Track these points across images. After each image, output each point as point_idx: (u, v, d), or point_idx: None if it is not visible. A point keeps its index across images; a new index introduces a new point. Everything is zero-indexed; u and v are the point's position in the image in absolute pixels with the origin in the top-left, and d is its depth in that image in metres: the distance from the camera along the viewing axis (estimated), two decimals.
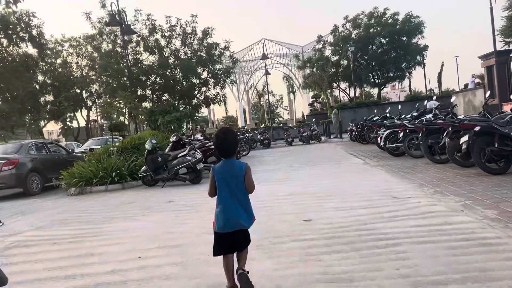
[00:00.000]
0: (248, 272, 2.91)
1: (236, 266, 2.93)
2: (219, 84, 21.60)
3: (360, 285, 2.88)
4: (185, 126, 24.23)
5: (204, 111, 37.37)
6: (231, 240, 2.84)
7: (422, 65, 33.01)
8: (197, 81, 21.28)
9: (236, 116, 54.67)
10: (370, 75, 32.89)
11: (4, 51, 25.91)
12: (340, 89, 36.33)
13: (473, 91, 20.03)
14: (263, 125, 38.36)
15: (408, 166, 8.87)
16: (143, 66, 20.29)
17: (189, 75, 20.38)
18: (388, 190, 6.31)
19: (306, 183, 7.88)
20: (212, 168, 2.96)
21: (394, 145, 11.08)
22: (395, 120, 12.71)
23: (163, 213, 6.31)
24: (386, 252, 3.46)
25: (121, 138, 16.51)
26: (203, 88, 21.71)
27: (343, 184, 7.36)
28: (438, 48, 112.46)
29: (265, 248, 3.92)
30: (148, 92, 20.98)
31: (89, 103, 33.62)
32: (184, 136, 12.36)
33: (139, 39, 20.25)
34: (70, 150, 14.73)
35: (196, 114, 21.64)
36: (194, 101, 21.47)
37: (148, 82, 20.77)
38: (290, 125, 32.94)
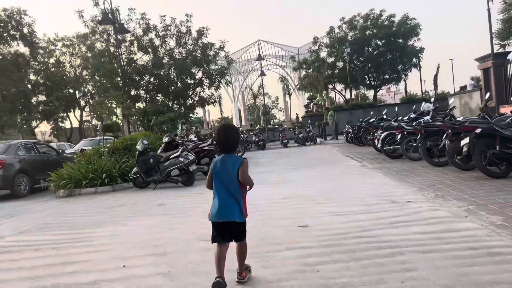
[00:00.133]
0: (250, 269, 3.14)
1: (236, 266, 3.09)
2: (214, 85, 21.33)
3: None
4: (180, 127, 23.93)
5: (199, 112, 37.08)
6: (225, 230, 2.98)
7: (418, 68, 32.97)
8: (192, 82, 21.00)
9: (232, 117, 54.39)
10: (366, 77, 32.78)
11: None
12: (336, 91, 36.20)
13: (469, 93, 19.95)
14: (258, 126, 38.14)
15: (406, 169, 8.67)
16: (137, 66, 19.96)
17: (184, 75, 20.09)
18: (387, 193, 6.09)
19: (302, 186, 7.65)
20: (213, 161, 3.10)
21: (391, 147, 10.88)
22: (392, 122, 12.54)
23: (152, 217, 6.03)
24: (388, 262, 3.23)
25: (113, 138, 16.17)
26: (198, 89, 21.42)
27: (340, 187, 7.14)
28: (434, 50, 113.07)
29: (260, 256, 3.67)
30: (142, 92, 20.64)
31: (82, 103, 33.21)
32: (177, 137, 12.07)
33: (132, 38, 19.93)
34: (61, 150, 14.40)
35: (191, 115, 21.30)
36: (189, 101, 21.17)
37: (142, 82, 20.43)
38: (285, 126, 32.75)
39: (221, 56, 21.65)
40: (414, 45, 31.53)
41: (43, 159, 12.13)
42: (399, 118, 13.46)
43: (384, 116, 15.94)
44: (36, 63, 29.04)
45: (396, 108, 16.75)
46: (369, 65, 31.93)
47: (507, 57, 16.75)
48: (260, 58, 30.27)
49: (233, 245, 3.11)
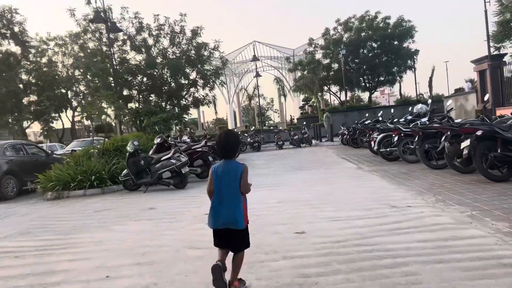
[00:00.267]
0: (245, 283, 2.98)
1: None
2: (208, 85, 21.03)
3: None
4: (174, 128, 23.58)
5: (193, 113, 36.73)
6: (225, 237, 2.92)
7: (413, 70, 32.97)
8: (186, 82, 20.68)
9: (226, 119, 54.08)
10: (361, 78, 32.71)
11: None
12: (331, 93, 36.09)
13: (465, 95, 19.86)
14: (253, 127, 37.89)
15: (403, 171, 8.48)
16: (130, 66, 19.60)
17: (177, 75, 19.76)
18: (385, 197, 5.87)
19: (298, 189, 7.41)
20: (212, 167, 3.07)
21: (388, 149, 10.71)
22: (388, 124, 12.38)
23: (141, 222, 5.76)
24: (392, 273, 3.00)
25: (106, 139, 15.85)
26: (192, 89, 21.10)
27: (337, 190, 6.91)
28: (429, 52, 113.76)
29: (253, 266, 3.42)
30: (135, 92, 20.27)
31: (74, 103, 32.70)
32: (169, 138, 11.78)
33: (125, 37, 19.58)
34: (50, 152, 14.05)
35: (184, 116, 20.97)
36: (183, 102, 20.84)
37: (135, 82, 20.06)
38: (280, 128, 32.56)
39: (216, 56, 21.37)
40: (409, 47, 31.54)
41: (32, 160, 11.81)
42: (395, 120, 13.31)
43: (380, 118, 15.79)
44: (28, 63, 28.55)
45: (392, 110, 16.62)
46: (364, 67, 31.87)
47: (503, 59, 16.71)
48: (255, 59, 30.05)
49: None
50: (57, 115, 30.97)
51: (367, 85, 33.35)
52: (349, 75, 31.07)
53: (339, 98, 35.67)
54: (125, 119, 17.43)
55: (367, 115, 21.28)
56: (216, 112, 38.33)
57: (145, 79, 20.07)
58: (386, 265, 3.17)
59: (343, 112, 27.82)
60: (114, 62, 17.71)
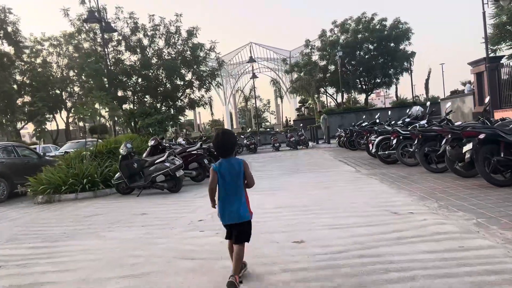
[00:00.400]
0: (241, 282, 3.08)
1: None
2: (204, 86, 20.80)
3: None
4: (170, 130, 23.31)
5: (189, 114, 36.48)
6: (234, 230, 3.16)
7: (409, 72, 32.92)
8: (181, 83, 20.44)
9: (223, 120, 53.83)
10: (358, 80, 32.61)
11: None
12: (328, 94, 35.97)
13: (462, 97, 19.77)
14: (249, 129, 37.67)
15: (403, 175, 8.30)
16: (124, 66, 19.33)
17: (173, 76, 19.53)
18: (386, 203, 5.68)
19: (295, 194, 7.20)
20: (212, 166, 3.21)
21: (386, 152, 10.53)
22: (385, 126, 12.22)
23: (133, 229, 5.52)
24: None
25: (100, 141, 15.56)
26: (188, 90, 20.86)
27: (335, 195, 6.71)
28: (425, 54, 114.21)
29: (250, 280, 3.21)
30: (129, 93, 20.00)
31: (69, 104, 32.36)
32: (164, 140, 11.53)
33: (120, 38, 19.32)
34: (42, 153, 13.76)
35: (180, 117, 20.71)
36: (178, 103, 20.60)
37: (129, 83, 19.79)
38: (277, 129, 32.35)
39: (212, 57, 21.16)
40: (406, 49, 31.50)
41: (23, 163, 11.54)
42: (393, 122, 13.15)
43: (377, 120, 15.64)
44: (22, 63, 28.19)
45: (389, 112, 16.45)
46: (361, 68, 31.77)
47: (501, 61, 16.64)
48: (251, 60, 29.84)
49: None
50: (51, 116, 30.61)
51: (364, 87, 33.25)
52: (345, 77, 30.96)
53: (336, 100, 35.55)
54: (120, 120, 17.14)
55: (364, 117, 21.13)
56: (212, 114, 38.08)
57: (140, 80, 19.82)
58: (391, 279, 2.97)
59: (340, 114, 27.67)
60: (109, 63, 17.44)
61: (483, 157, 6.17)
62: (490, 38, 22.68)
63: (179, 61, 19.50)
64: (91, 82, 19.03)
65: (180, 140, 13.41)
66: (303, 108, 41.85)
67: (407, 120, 12.27)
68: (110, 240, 5.01)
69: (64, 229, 5.96)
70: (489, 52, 22.22)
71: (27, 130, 36.85)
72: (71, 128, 37.43)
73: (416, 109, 15.46)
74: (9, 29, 24.92)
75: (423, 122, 10.65)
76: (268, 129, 35.04)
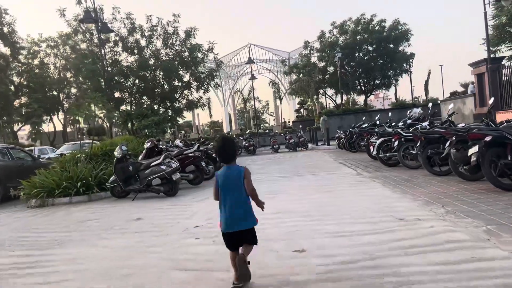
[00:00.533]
0: (249, 263, 3.14)
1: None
2: (203, 88, 20.58)
3: None
4: (168, 131, 23.07)
5: (188, 116, 36.24)
6: (236, 238, 3.12)
7: (409, 73, 32.80)
8: (179, 84, 20.23)
9: (222, 121, 53.61)
10: (357, 82, 32.47)
11: None
12: (327, 96, 35.80)
13: (462, 99, 19.59)
14: (248, 131, 37.46)
15: (405, 178, 8.09)
16: (121, 67, 19.10)
17: (171, 77, 19.32)
18: (390, 208, 5.46)
19: (295, 198, 6.97)
20: (215, 174, 3.26)
21: (387, 154, 10.32)
22: (386, 128, 12.01)
23: (126, 236, 5.28)
24: None
25: (96, 143, 15.30)
26: (186, 91, 20.65)
27: (337, 199, 6.49)
28: (425, 55, 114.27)
29: None
30: (126, 94, 19.76)
31: (66, 105, 32.09)
32: (160, 142, 11.29)
33: (117, 38, 19.09)
34: (37, 156, 13.53)
35: (178, 119, 20.48)
36: (176, 104, 20.37)
37: (127, 84, 19.56)
38: (276, 131, 32.16)
39: (210, 58, 20.96)
40: (405, 50, 31.38)
41: (17, 165, 11.27)
42: (393, 124, 12.95)
43: (377, 122, 15.44)
44: (19, 64, 27.94)
45: (390, 114, 16.26)
46: (360, 70, 31.64)
47: (502, 62, 16.46)
48: (250, 61, 29.66)
49: None
50: (48, 117, 30.35)
51: (363, 88, 33.12)
52: (344, 78, 30.81)
53: (335, 101, 35.40)
54: (117, 121, 16.91)
55: (363, 118, 20.94)
56: (210, 115, 37.88)
57: (137, 81, 19.59)
58: None
59: (339, 116, 27.50)
60: (106, 64, 17.22)
61: (490, 160, 5.96)
62: (490, 40, 22.54)
63: (177, 62, 19.30)
64: (88, 83, 18.80)
65: (177, 142, 13.19)
66: (302, 110, 41.71)
67: (408, 121, 12.07)
68: (101, 248, 4.77)
69: (54, 235, 5.72)
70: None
71: (25, 131, 36.59)
72: (68, 129, 37.14)
73: (416, 111, 15.31)
74: (5, 29, 24.67)
75: (425, 124, 10.44)
76: (267, 131, 34.85)
